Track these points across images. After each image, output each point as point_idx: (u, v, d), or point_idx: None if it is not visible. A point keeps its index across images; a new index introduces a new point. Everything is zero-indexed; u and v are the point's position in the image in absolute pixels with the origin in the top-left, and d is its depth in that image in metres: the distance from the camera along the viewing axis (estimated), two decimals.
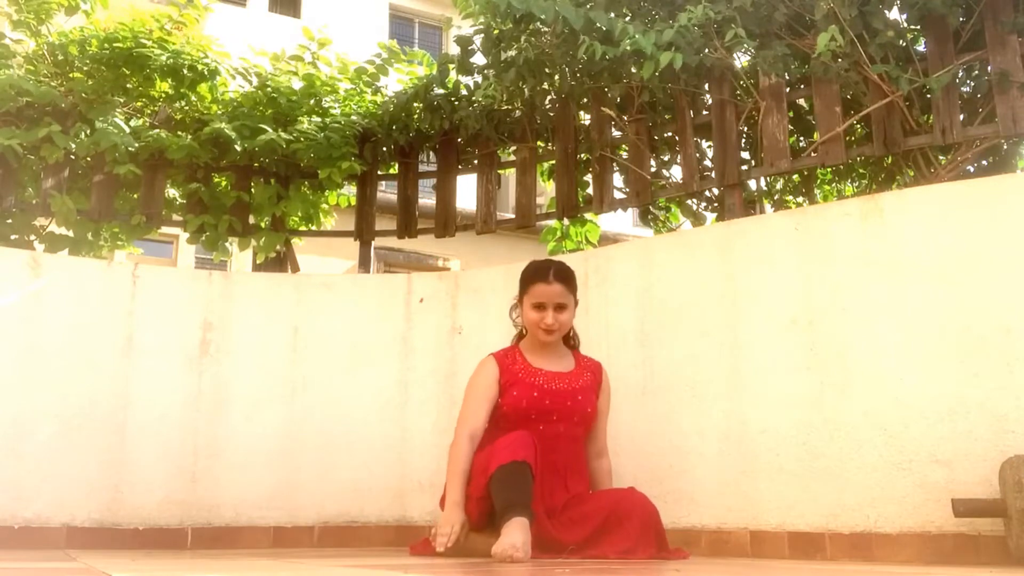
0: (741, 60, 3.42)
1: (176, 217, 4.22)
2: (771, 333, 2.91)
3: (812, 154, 3.26)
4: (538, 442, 2.60)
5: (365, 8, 12.74)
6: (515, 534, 2.31)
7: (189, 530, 3.35)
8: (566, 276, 2.87)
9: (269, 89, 4.03)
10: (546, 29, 3.48)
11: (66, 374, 3.32)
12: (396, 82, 4.38)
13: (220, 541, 3.35)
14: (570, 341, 3.02)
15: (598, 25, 3.20)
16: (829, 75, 3.10)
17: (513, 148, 4.01)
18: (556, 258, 3.21)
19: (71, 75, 3.94)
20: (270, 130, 3.81)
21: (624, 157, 3.75)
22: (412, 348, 3.68)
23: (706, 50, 3.25)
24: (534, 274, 2.86)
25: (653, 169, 3.73)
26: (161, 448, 3.38)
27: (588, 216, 4.31)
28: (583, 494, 2.75)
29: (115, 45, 3.84)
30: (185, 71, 3.92)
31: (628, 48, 3.10)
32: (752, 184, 3.80)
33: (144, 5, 4.08)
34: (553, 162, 3.99)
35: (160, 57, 3.84)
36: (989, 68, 3.03)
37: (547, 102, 3.88)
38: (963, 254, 2.62)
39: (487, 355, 2.93)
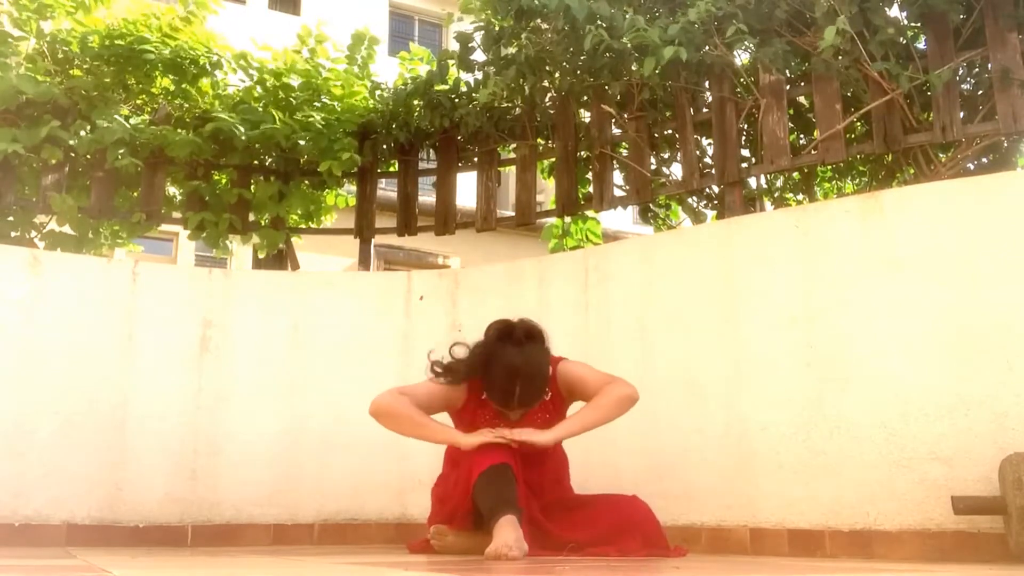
0: (741, 57, 3.42)
1: (176, 215, 4.22)
2: (771, 330, 2.91)
3: (812, 152, 3.26)
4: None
5: (365, 5, 12.71)
6: (507, 533, 2.29)
7: (189, 527, 3.35)
8: (530, 398, 2.55)
9: (269, 84, 4.03)
10: (546, 26, 3.48)
11: (66, 371, 3.32)
12: (395, 72, 4.36)
13: (220, 538, 3.35)
14: None
15: (599, 21, 3.20)
16: (830, 72, 3.09)
17: (513, 145, 4.01)
18: (526, 354, 2.54)
19: (71, 72, 3.94)
20: (273, 119, 3.79)
21: (624, 155, 3.74)
22: (412, 346, 3.68)
23: (707, 47, 3.25)
24: (491, 388, 2.57)
25: (653, 167, 3.73)
26: (161, 445, 3.39)
27: (589, 213, 4.30)
28: (583, 497, 2.75)
29: (116, 42, 3.84)
30: (187, 65, 3.91)
31: (630, 43, 3.10)
32: (752, 182, 3.80)
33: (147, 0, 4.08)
34: (553, 159, 3.99)
35: (163, 52, 3.83)
36: (989, 65, 3.02)
37: (547, 99, 3.88)
38: (963, 251, 2.62)
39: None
